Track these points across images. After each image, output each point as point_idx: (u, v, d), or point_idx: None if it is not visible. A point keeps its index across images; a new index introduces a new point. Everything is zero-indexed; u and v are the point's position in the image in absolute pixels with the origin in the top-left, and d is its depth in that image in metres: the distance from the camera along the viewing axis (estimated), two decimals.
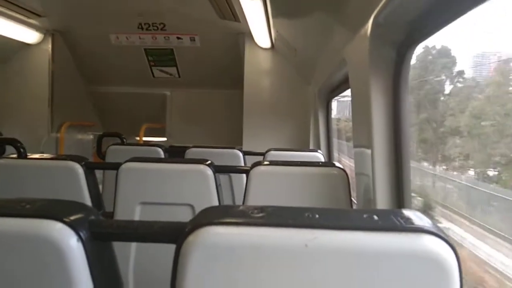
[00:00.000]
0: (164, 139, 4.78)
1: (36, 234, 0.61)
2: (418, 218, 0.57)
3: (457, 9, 1.00)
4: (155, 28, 3.96)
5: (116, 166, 1.60)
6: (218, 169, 1.60)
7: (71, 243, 0.61)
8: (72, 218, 0.62)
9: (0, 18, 3.35)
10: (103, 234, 0.66)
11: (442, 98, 2.98)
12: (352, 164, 1.68)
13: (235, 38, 3.99)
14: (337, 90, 2.97)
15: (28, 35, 3.89)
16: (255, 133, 3.95)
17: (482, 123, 2.51)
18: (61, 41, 4.16)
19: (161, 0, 3.39)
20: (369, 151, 1.37)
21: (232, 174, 2.45)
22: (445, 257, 0.53)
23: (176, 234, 0.60)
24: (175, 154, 2.71)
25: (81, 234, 0.62)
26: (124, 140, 3.16)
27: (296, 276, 0.55)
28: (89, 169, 1.66)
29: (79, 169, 1.62)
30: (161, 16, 3.83)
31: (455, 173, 2.82)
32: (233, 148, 2.52)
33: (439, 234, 0.54)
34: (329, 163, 1.72)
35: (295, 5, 2.19)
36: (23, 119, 4.02)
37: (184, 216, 1.52)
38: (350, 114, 2.28)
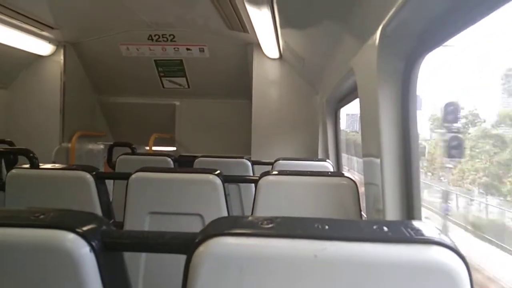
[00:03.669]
0: (174, 148, 4.81)
1: (49, 244, 0.62)
2: (428, 229, 0.57)
3: (465, 20, 1.00)
4: (165, 39, 4.01)
5: (126, 176, 1.61)
6: (227, 179, 1.60)
7: (84, 253, 0.62)
8: (84, 228, 0.63)
9: (14, 31, 3.42)
10: (115, 244, 0.67)
11: None
12: None
13: (244, 48, 4.03)
14: (345, 99, 2.97)
15: (41, 47, 3.96)
16: (263, 142, 3.95)
17: None
18: (73, 53, 4.24)
19: (170, 12, 3.44)
20: (378, 160, 1.37)
21: (241, 184, 2.45)
22: (455, 269, 0.52)
23: (186, 245, 0.60)
24: (184, 163, 2.72)
25: (94, 244, 0.62)
26: (134, 150, 3.19)
27: (305, 287, 0.55)
28: (100, 179, 1.68)
29: (90, 179, 1.64)
30: (170, 27, 3.88)
31: None
32: (242, 157, 2.52)
33: (449, 246, 0.53)
34: (338, 173, 1.72)
35: (303, 15, 2.21)
36: (35, 129, 4.08)
37: (193, 225, 1.53)
38: None
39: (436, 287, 0.52)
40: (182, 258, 0.60)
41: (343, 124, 3.62)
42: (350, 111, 4.08)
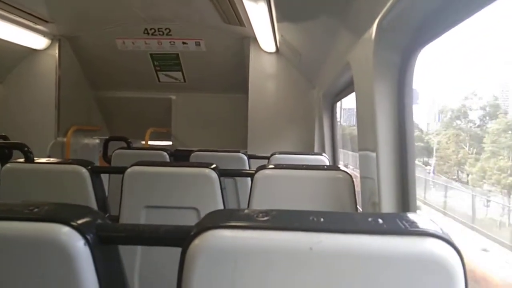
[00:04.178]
0: (170, 143, 4.80)
1: (44, 237, 0.62)
2: (423, 221, 0.57)
3: (461, 13, 1.00)
4: (161, 33, 3.99)
5: (121, 170, 1.61)
6: (223, 173, 1.60)
7: (79, 247, 0.61)
8: (79, 222, 0.63)
9: (8, 24, 3.39)
10: (110, 237, 0.67)
11: None
12: None
13: (240, 42, 4.01)
14: (342, 93, 2.97)
15: (36, 41, 3.93)
16: (260, 136, 3.95)
17: None
18: (68, 47, 4.20)
19: (166, 5, 3.42)
20: (374, 154, 1.37)
21: (237, 178, 2.45)
22: (450, 261, 0.52)
23: (182, 238, 0.60)
24: (180, 158, 2.72)
25: (88, 237, 0.62)
26: (130, 144, 3.19)
27: (301, 279, 0.55)
28: (95, 173, 1.67)
29: (86, 173, 1.64)
30: (166, 21, 3.86)
31: None
32: (238, 151, 2.52)
33: (444, 238, 0.54)
34: (334, 166, 1.72)
35: (299, 9, 2.20)
36: (30, 123, 4.05)
37: (189, 219, 1.53)
38: None
39: (430, 278, 0.53)
40: (178, 251, 0.60)
41: (341, 119, 3.61)
42: (347, 106, 4.05)
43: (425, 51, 1.22)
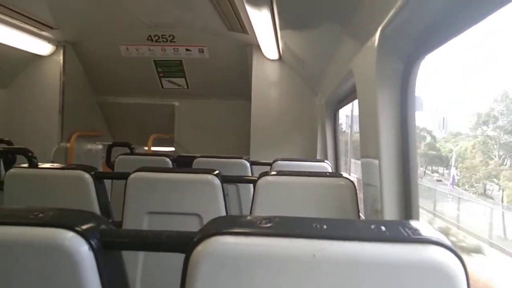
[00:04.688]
0: (172, 149, 4.81)
1: (48, 242, 0.62)
2: (425, 229, 0.58)
3: (464, 21, 1.01)
4: (165, 40, 4.01)
5: (124, 176, 1.61)
6: (225, 179, 1.61)
7: (83, 252, 0.62)
8: (83, 227, 0.63)
9: (14, 31, 3.42)
10: (113, 243, 0.67)
11: None
12: None
13: (243, 49, 4.03)
14: (344, 101, 2.97)
15: (41, 47, 3.96)
16: (262, 143, 3.96)
17: None
18: (72, 53, 4.23)
19: (170, 12, 3.44)
20: (376, 161, 1.37)
21: (239, 184, 2.45)
22: (452, 268, 0.52)
23: (185, 244, 0.60)
24: (183, 164, 2.73)
25: (92, 243, 0.62)
26: (133, 150, 3.20)
27: (304, 286, 0.55)
28: (98, 179, 1.68)
29: (89, 179, 1.64)
30: (170, 28, 3.89)
31: None
32: (241, 158, 2.53)
33: (447, 245, 0.54)
34: (336, 173, 1.72)
35: (302, 17, 2.22)
36: (34, 129, 4.07)
37: (191, 225, 1.53)
38: None
39: (433, 286, 0.53)
40: (180, 257, 0.60)
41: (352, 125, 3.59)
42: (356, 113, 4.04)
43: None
